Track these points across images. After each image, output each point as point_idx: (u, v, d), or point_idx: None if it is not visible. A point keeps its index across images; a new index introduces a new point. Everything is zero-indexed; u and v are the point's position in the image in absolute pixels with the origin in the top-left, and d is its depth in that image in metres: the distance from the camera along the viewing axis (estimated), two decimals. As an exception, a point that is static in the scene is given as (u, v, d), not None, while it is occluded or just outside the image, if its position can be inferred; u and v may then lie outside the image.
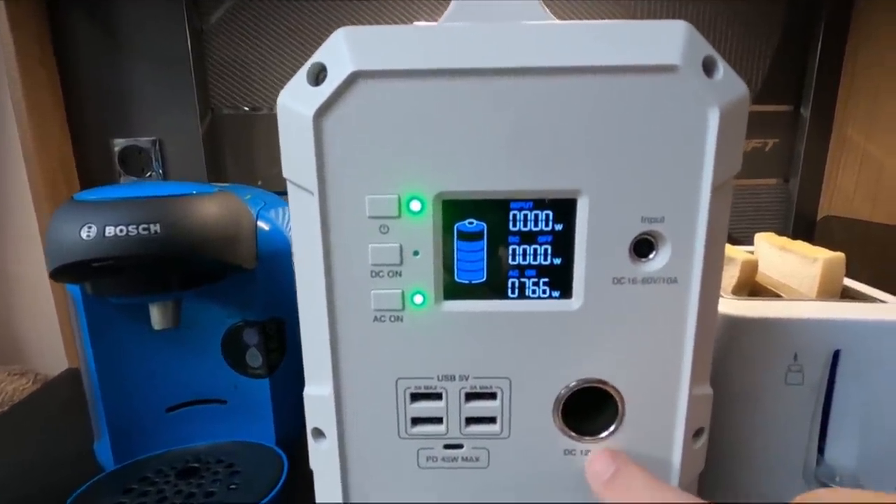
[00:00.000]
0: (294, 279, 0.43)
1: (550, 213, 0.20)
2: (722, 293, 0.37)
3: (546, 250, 0.20)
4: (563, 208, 0.20)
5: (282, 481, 0.36)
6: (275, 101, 0.65)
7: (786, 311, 0.32)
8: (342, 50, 0.18)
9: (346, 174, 0.19)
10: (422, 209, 0.19)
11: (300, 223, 0.20)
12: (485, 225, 0.20)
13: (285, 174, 0.20)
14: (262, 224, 0.40)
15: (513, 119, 0.19)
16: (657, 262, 0.20)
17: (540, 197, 0.20)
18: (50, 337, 0.70)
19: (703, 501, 0.17)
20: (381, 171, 0.19)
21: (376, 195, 0.19)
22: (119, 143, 0.68)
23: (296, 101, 0.19)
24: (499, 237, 0.20)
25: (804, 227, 0.80)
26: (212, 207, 0.34)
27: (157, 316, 0.36)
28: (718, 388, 0.32)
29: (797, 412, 0.32)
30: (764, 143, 0.79)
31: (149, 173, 0.69)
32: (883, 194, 0.71)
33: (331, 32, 0.65)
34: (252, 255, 0.38)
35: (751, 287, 0.41)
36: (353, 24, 0.67)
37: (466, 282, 0.21)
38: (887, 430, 0.32)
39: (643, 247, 0.20)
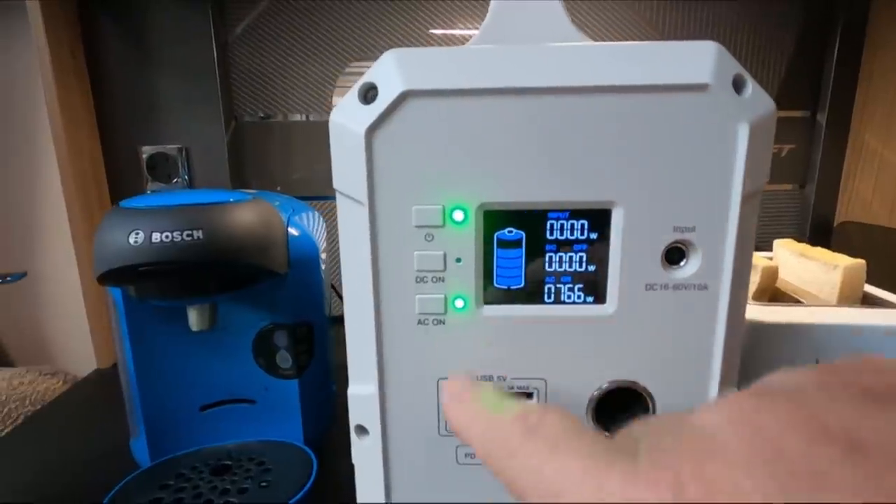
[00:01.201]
0: (322, 284, 0.44)
1: (586, 223, 0.21)
2: (743, 299, 0.38)
3: (581, 258, 0.21)
4: (598, 218, 0.21)
5: (311, 479, 0.38)
6: (295, 110, 0.67)
7: (808, 316, 0.33)
8: (392, 70, 0.20)
9: (394, 186, 0.20)
10: (465, 219, 0.21)
11: (349, 232, 0.21)
12: (523, 234, 0.21)
13: (336, 186, 0.21)
14: (292, 230, 0.41)
15: (551, 135, 0.20)
16: (688, 269, 0.21)
17: (576, 208, 0.21)
18: (79, 339, 0.72)
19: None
20: (427, 183, 0.20)
21: (422, 206, 0.21)
22: (147, 150, 0.70)
23: (347, 119, 0.20)
24: (536, 245, 0.21)
25: (821, 232, 0.80)
26: (249, 214, 0.36)
27: (194, 318, 0.37)
28: (740, 392, 0.33)
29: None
30: (780, 148, 0.79)
31: (175, 179, 0.71)
32: (901, 200, 0.71)
33: (352, 43, 0.67)
34: (284, 260, 0.39)
35: (771, 293, 0.42)
36: (375, 34, 0.69)
37: (505, 287, 0.22)
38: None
39: (674, 254, 0.21)
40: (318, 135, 0.73)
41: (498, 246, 0.21)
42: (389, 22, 0.70)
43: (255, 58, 0.71)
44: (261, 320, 0.42)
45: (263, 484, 0.38)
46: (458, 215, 0.21)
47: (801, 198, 0.81)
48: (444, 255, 0.21)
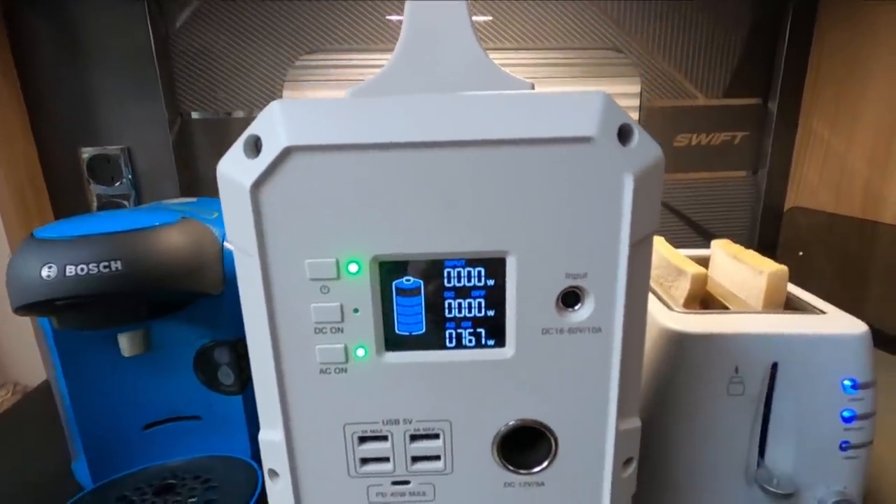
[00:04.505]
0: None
1: (483, 270, 0.21)
2: (673, 306, 0.38)
3: (480, 303, 0.21)
4: (494, 266, 0.21)
5: (257, 493, 0.38)
6: (244, 104, 0.64)
7: (727, 325, 0.34)
8: (276, 124, 0.19)
9: (285, 240, 0.20)
10: (359, 270, 0.21)
11: (246, 283, 0.21)
12: (421, 282, 0.21)
13: (229, 238, 0.21)
14: (228, 245, 0.40)
15: (442, 187, 0.20)
16: (582, 313, 0.21)
17: (471, 257, 0.21)
18: (28, 347, 0.70)
19: None
20: (318, 237, 0.20)
21: (315, 259, 0.20)
22: (87, 152, 0.67)
23: (234, 172, 0.20)
24: (435, 292, 0.21)
25: (771, 218, 0.83)
26: (174, 238, 0.35)
27: (125, 345, 0.37)
28: (666, 398, 0.34)
29: (739, 421, 0.34)
30: (733, 136, 0.81)
31: (118, 182, 0.69)
32: (845, 187, 0.74)
33: (298, 33, 0.64)
34: (218, 280, 0.39)
35: (703, 298, 0.43)
36: (329, 22, 0.67)
37: (406, 334, 0.22)
38: (821, 435, 0.34)
39: (570, 298, 0.21)
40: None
41: (397, 294, 0.21)
42: (344, 9, 0.67)
43: (199, 51, 0.68)
44: (200, 338, 0.42)
45: (208, 502, 0.38)
46: (353, 267, 0.20)
47: (753, 184, 0.83)
48: (341, 307, 0.21)
